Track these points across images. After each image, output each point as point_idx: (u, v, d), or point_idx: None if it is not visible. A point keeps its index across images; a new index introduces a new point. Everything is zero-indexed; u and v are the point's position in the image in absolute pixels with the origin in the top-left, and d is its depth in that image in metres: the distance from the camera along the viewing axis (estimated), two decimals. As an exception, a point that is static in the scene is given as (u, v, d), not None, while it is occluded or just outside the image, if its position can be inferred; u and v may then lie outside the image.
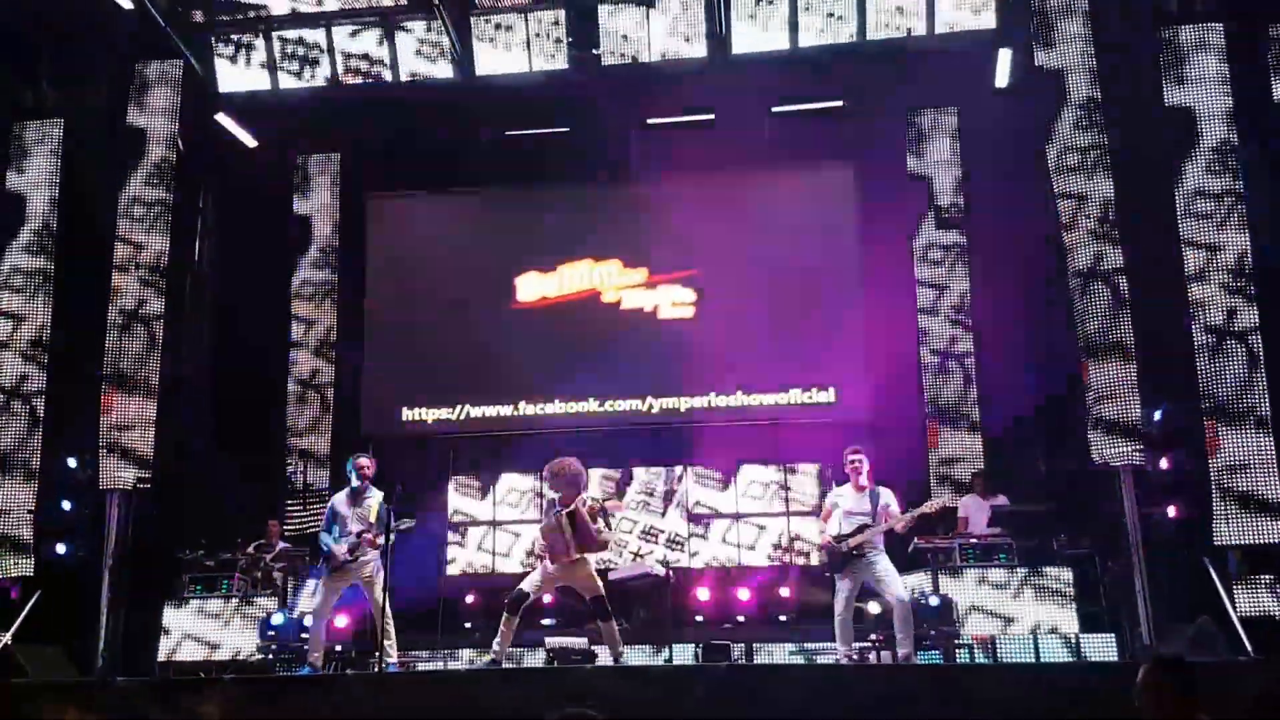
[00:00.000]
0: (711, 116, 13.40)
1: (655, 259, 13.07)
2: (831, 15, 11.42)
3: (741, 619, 11.61)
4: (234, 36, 12.33)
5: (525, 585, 8.14)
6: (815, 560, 9.02)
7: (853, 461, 8.60)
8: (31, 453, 11.38)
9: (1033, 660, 9.68)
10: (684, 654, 10.26)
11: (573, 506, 7.99)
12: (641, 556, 12.61)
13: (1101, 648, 9.83)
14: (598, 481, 12.74)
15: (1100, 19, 11.09)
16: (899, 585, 8.43)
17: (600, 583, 8.21)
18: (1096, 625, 10.09)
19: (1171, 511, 9.90)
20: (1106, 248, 10.72)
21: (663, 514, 13.01)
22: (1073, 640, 9.88)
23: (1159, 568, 9.91)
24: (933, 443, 12.48)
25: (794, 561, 12.54)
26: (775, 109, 13.16)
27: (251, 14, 12.10)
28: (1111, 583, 10.36)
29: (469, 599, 11.92)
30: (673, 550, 12.79)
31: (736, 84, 12.47)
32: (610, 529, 8.07)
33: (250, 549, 11.37)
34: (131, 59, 12.27)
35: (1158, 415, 10.20)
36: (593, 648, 9.42)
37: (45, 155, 11.99)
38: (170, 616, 10.87)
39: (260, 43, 12.28)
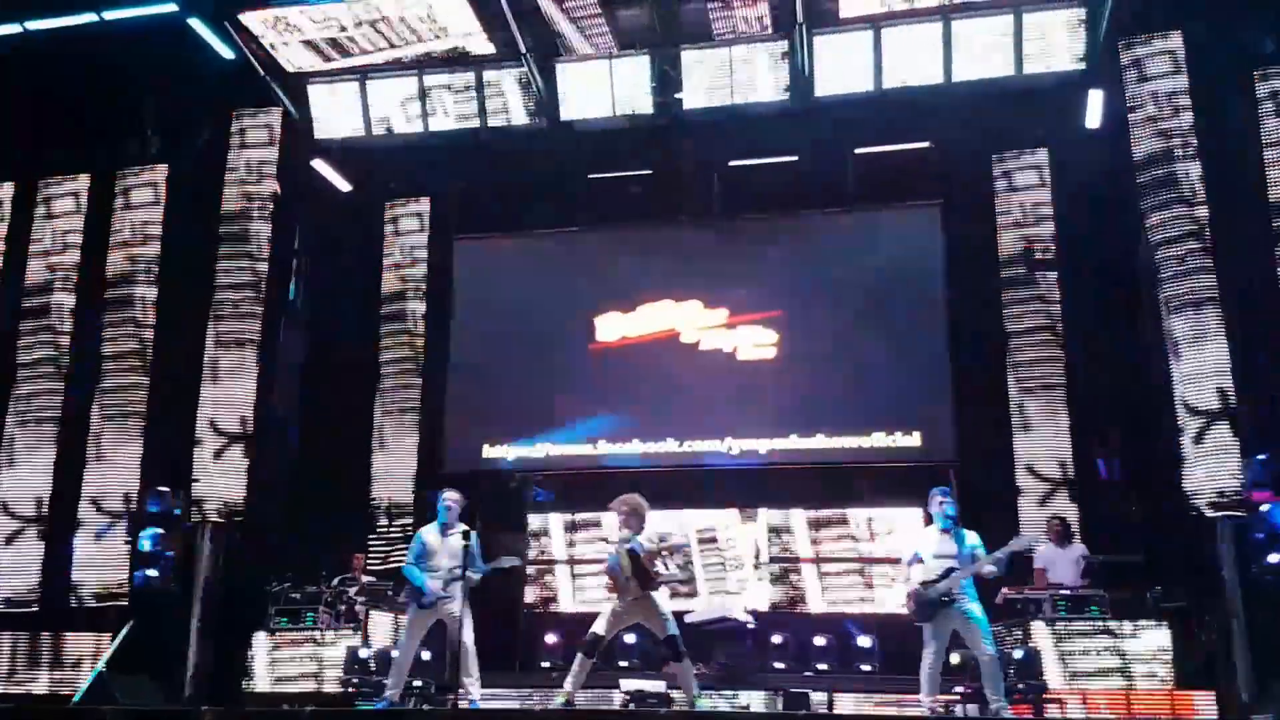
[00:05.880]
0: (795, 158, 13.40)
1: (736, 300, 13.03)
2: (916, 56, 11.33)
3: (823, 667, 11.40)
4: (330, 84, 12.74)
5: (598, 627, 8.16)
6: (902, 609, 8.77)
7: (940, 502, 8.41)
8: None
9: (1126, 716, 9.32)
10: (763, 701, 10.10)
11: (631, 545, 8.02)
12: (725, 598, 12.44)
13: (1199, 706, 9.42)
14: (668, 521, 12.63)
15: (1193, 57, 10.85)
16: (988, 638, 8.12)
17: (672, 621, 8.17)
18: (1194, 682, 9.68)
19: (1274, 560, 9.48)
20: (1202, 287, 10.42)
21: (740, 558, 12.86)
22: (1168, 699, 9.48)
23: (1261, 622, 9.49)
24: (1021, 488, 12.14)
25: (878, 610, 12.25)
26: (859, 150, 13.10)
27: (348, 62, 12.49)
28: (1210, 638, 9.95)
29: (548, 638, 11.93)
30: (754, 594, 12.63)
31: (820, 125, 12.44)
32: (669, 570, 8.05)
33: (334, 582, 11.56)
34: (231, 106, 12.80)
35: (1258, 463, 9.83)
36: (669, 691, 9.35)
37: (150, 200, 12.63)
38: (257, 648, 11.10)
39: (355, 90, 12.67)
